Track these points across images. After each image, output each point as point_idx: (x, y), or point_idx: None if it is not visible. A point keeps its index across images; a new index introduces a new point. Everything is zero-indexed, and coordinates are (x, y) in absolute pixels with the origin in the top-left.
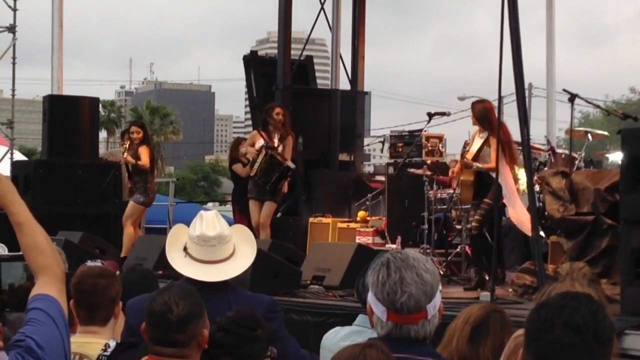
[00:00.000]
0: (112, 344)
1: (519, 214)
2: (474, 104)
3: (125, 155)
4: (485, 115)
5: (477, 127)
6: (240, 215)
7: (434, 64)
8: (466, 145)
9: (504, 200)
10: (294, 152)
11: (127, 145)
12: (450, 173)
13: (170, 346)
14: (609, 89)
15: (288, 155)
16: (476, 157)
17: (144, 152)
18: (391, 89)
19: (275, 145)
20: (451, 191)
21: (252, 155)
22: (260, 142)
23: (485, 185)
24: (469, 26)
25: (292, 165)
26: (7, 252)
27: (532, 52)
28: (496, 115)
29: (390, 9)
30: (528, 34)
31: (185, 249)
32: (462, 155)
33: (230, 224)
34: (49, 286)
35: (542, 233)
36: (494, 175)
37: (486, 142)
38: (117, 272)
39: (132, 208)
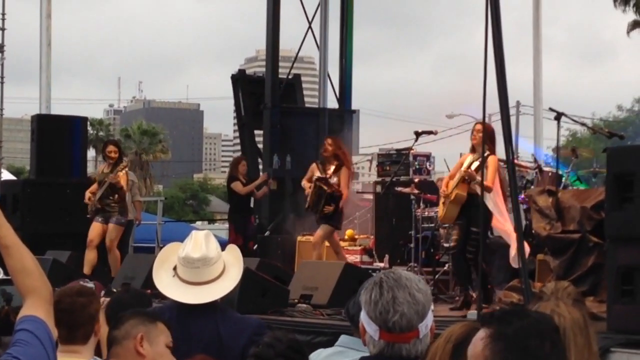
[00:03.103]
0: None
1: (506, 228)
2: (481, 125)
3: (113, 176)
4: (493, 137)
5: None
6: (236, 234)
7: (433, 82)
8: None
9: (493, 223)
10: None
11: (108, 166)
12: (442, 191)
13: None
14: (598, 106)
15: (343, 184)
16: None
17: (121, 175)
18: (387, 106)
19: (328, 176)
20: (438, 209)
21: (307, 189)
22: (316, 174)
23: (473, 207)
24: (468, 43)
25: (341, 193)
26: (2, 275)
27: (520, 69)
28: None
29: (388, 25)
30: (515, 52)
31: (175, 268)
32: (469, 166)
33: (222, 243)
34: (37, 308)
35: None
36: (487, 199)
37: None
38: (103, 292)
39: (115, 231)
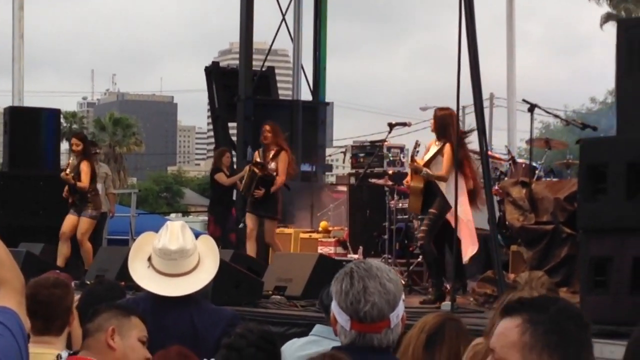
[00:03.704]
0: (64, 354)
1: (463, 232)
2: (437, 111)
3: (66, 174)
4: (445, 124)
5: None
6: (215, 225)
7: (408, 75)
8: (416, 145)
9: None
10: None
11: (70, 162)
12: (405, 182)
13: None
14: (571, 99)
15: (281, 169)
16: (427, 165)
17: (84, 170)
18: (362, 99)
19: (267, 161)
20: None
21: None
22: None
23: (433, 194)
24: (444, 37)
25: (274, 176)
26: None
27: (494, 62)
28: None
29: (363, 18)
30: (489, 45)
31: (149, 259)
32: (412, 158)
33: (196, 235)
34: (8, 299)
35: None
36: (442, 186)
37: (440, 151)
38: (73, 284)
39: (87, 224)
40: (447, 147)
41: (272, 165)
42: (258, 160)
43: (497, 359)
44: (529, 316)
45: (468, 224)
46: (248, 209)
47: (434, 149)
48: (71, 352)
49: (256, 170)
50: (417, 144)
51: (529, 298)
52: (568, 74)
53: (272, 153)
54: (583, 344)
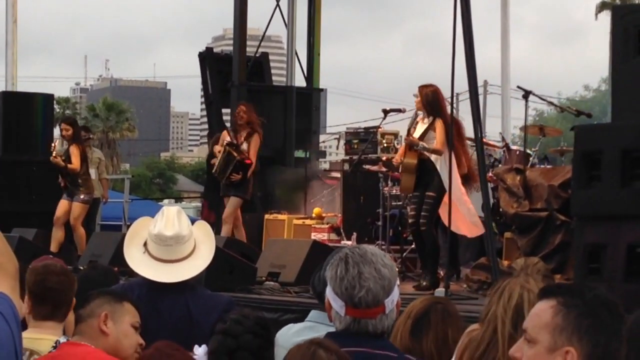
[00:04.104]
0: (63, 340)
1: (456, 218)
2: (422, 88)
3: (53, 157)
4: (434, 99)
5: (420, 114)
6: (209, 211)
7: (403, 61)
8: (416, 116)
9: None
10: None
11: (56, 144)
12: (395, 161)
13: None
14: (565, 86)
15: (252, 152)
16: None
17: (74, 152)
18: (357, 86)
19: (240, 142)
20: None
21: (217, 154)
22: (227, 140)
23: (427, 173)
24: (439, 24)
25: (250, 160)
26: None
27: (488, 49)
28: (445, 100)
29: (359, 4)
30: (484, 32)
31: (145, 244)
32: (409, 131)
33: (193, 221)
34: (2, 283)
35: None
36: (437, 162)
37: (431, 126)
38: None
39: (79, 209)
40: (439, 122)
41: (244, 146)
42: (228, 140)
43: (528, 339)
44: (564, 299)
45: (465, 205)
46: (222, 193)
47: (421, 127)
48: (69, 338)
49: (234, 153)
50: (416, 115)
51: (567, 283)
52: (562, 61)
53: (244, 134)
54: (614, 333)
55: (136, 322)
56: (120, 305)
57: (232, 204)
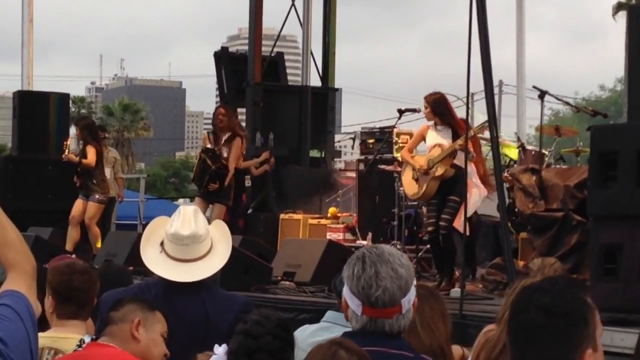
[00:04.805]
0: (87, 339)
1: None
2: (428, 97)
3: (66, 155)
4: (444, 106)
5: (429, 123)
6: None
7: (419, 61)
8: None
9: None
10: (269, 151)
11: (69, 143)
12: (421, 166)
13: None
14: (581, 86)
15: (233, 156)
16: (454, 155)
17: (90, 150)
18: (373, 86)
19: (219, 147)
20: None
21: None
22: (207, 145)
23: (453, 181)
24: (456, 23)
25: (227, 169)
26: None
27: (503, 49)
28: (452, 106)
29: (375, 3)
30: (500, 31)
31: (162, 244)
32: (461, 144)
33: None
34: (18, 282)
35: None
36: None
37: (454, 141)
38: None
39: (94, 209)
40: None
41: (224, 151)
42: (208, 145)
43: None
44: None
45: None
46: (198, 194)
47: (434, 135)
48: (93, 337)
49: (208, 162)
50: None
51: None
52: (579, 61)
53: (224, 138)
54: None
55: (165, 331)
56: (152, 314)
57: (215, 212)
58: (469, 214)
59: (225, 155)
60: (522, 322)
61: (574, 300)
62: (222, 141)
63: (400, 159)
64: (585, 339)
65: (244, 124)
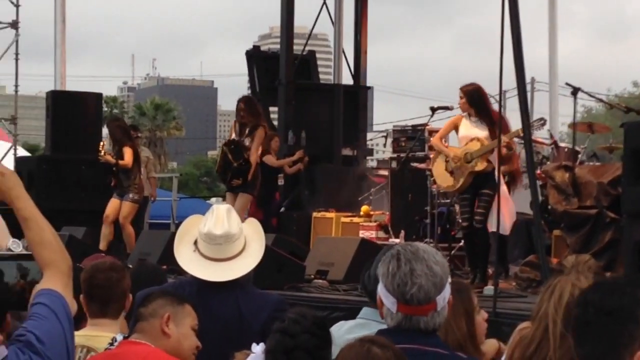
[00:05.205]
0: (119, 337)
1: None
2: (464, 88)
3: (102, 155)
4: (479, 97)
5: (463, 113)
6: (257, 208)
7: (453, 58)
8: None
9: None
10: (295, 146)
11: (105, 143)
12: (457, 159)
13: None
14: (613, 83)
15: (255, 148)
16: (492, 150)
17: (127, 151)
18: (404, 83)
19: (244, 137)
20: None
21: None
22: (233, 135)
23: (486, 175)
24: (491, 19)
25: (248, 161)
26: (22, 248)
27: (535, 46)
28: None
29: (409, 1)
30: (533, 28)
31: (195, 243)
32: (507, 142)
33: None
34: (54, 281)
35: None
36: (494, 161)
37: (490, 138)
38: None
39: (129, 208)
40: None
41: (247, 141)
42: (233, 135)
43: None
44: None
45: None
46: (227, 189)
47: (469, 126)
48: (126, 335)
49: (230, 157)
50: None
51: None
52: (612, 57)
53: (248, 129)
54: None
55: (195, 324)
56: (181, 308)
57: (239, 201)
58: (508, 230)
59: (247, 144)
60: (574, 318)
61: (623, 298)
62: (246, 131)
63: (431, 144)
64: (636, 339)
65: (275, 123)
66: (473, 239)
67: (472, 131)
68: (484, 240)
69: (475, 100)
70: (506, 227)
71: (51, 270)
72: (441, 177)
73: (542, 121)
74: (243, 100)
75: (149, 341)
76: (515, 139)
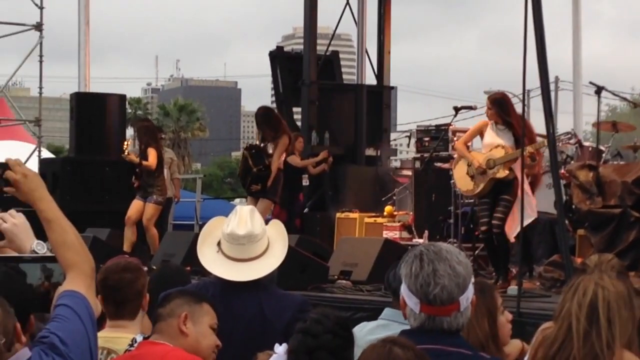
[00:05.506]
0: (139, 338)
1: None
2: (492, 97)
3: (126, 155)
4: (507, 106)
5: (487, 121)
6: (281, 209)
7: (477, 58)
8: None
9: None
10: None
11: (129, 143)
12: (479, 164)
13: None
14: (638, 82)
15: (277, 155)
16: (516, 158)
17: (151, 152)
18: (427, 83)
19: (266, 143)
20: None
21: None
22: (257, 141)
23: (503, 182)
24: (514, 20)
25: (268, 167)
26: (46, 250)
27: (559, 45)
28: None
29: (433, 1)
30: (556, 27)
31: (219, 243)
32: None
33: (267, 221)
34: (77, 282)
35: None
36: (516, 167)
37: (515, 147)
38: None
39: (153, 210)
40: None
41: (270, 148)
42: (257, 141)
43: None
44: None
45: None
46: (247, 193)
47: (494, 134)
48: (146, 336)
49: (250, 162)
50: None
51: None
52: (635, 56)
53: (271, 135)
54: None
55: (214, 323)
56: (199, 306)
57: (259, 207)
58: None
59: (270, 151)
60: None
61: None
62: (270, 138)
63: (454, 148)
64: None
65: (299, 123)
66: (493, 242)
67: (497, 139)
68: (503, 243)
69: (504, 109)
70: (509, 235)
71: (74, 272)
72: (461, 181)
73: (569, 135)
74: (259, 114)
75: (167, 341)
76: (540, 139)
